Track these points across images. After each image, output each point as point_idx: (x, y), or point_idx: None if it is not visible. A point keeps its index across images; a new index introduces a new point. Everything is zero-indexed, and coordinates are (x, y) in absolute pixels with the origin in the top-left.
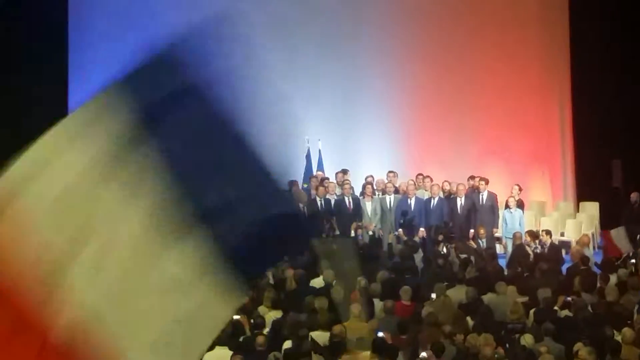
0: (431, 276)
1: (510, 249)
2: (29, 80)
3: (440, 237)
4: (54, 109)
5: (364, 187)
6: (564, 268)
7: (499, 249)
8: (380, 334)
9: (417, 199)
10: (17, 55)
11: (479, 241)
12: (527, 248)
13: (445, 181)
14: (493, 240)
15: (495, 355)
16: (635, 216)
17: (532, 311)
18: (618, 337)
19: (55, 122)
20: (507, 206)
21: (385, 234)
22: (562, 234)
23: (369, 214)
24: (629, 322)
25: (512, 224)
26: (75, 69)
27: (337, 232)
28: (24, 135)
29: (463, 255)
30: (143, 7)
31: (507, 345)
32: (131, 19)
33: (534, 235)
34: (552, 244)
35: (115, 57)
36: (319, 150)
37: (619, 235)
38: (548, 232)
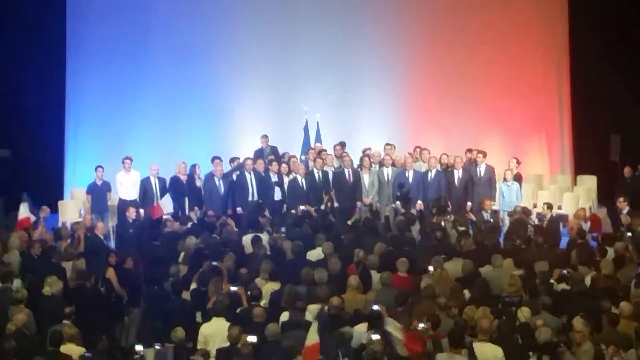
0: (428, 249)
1: (507, 222)
2: None
3: (435, 210)
4: None
5: (361, 159)
6: (563, 242)
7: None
8: (376, 307)
9: (414, 171)
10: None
11: (484, 214)
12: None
13: (443, 154)
14: (493, 213)
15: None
16: (629, 189)
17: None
18: (615, 311)
19: None
20: (504, 179)
21: (382, 206)
22: (560, 207)
23: (367, 186)
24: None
25: (509, 197)
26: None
27: (336, 205)
28: None
29: (461, 228)
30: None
31: (504, 318)
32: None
33: (527, 212)
34: (551, 217)
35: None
36: (317, 122)
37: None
38: (549, 206)
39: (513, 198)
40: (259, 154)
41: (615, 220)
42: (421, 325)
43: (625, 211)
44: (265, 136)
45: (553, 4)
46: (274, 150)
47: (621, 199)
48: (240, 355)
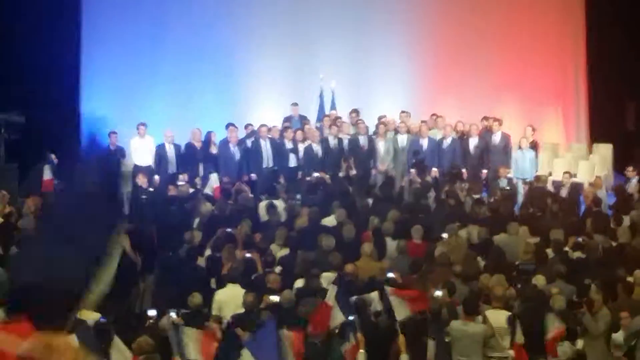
0: (443, 216)
1: (520, 189)
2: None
3: (450, 178)
4: None
5: (377, 126)
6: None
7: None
8: (391, 274)
9: (429, 139)
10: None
11: (498, 181)
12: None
13: (458, 121)
14: (510, 181)
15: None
16: None
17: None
18: (630, 279)
19: None
20: (519, 147)
21: (397, 173)
22: (575, 176)
23: (382, 153)
24: None
25: (522, 164)
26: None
27: (354, 172)
28: None
29: (476, 196)
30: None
31: (519, 285)
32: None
33: (544, 180)
34: (571, 185)
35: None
36: (332, 90)
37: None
38: (570, 175)
39: (526, 165)
40: (288, 121)
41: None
42: (437, 292)
43: (634, 180)
44: (295, 104)
45: None
46: (303, 119)
47: (630, 168)
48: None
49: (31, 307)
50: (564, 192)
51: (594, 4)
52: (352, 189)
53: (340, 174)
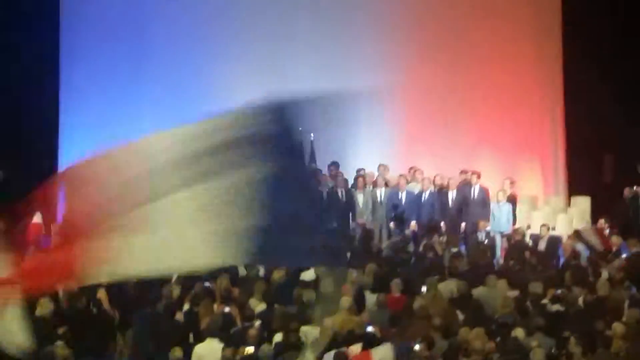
0: (422, 270)
1: (498, 242)
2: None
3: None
4: None
5: (355, 179)
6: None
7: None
8: (370, 328)
9: (408, 192)
10: None
11: (478, 234)
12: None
13: (436, 175)
14: (488, 234)
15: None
16: (626, 211)
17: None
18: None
19: None
20: (496, 200)
21: (376, 227)
22: (554, 229)
23: (361, 206)
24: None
25: (499, 217)
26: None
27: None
28: None
29: (454, 249)
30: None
31: (498, 339)
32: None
33: (521, 233)
34: (549, 238)
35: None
36: (311, 143)
37: (587, 233)
38: (547, 228)
39: (503, 219)
40: None
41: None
42: (416, 346)
43: (606, 232)
44: None
45: (546, 24)
46: None
47: (602, 221)
48: None
49: None
50: (542, 245)
51: (570, 57)
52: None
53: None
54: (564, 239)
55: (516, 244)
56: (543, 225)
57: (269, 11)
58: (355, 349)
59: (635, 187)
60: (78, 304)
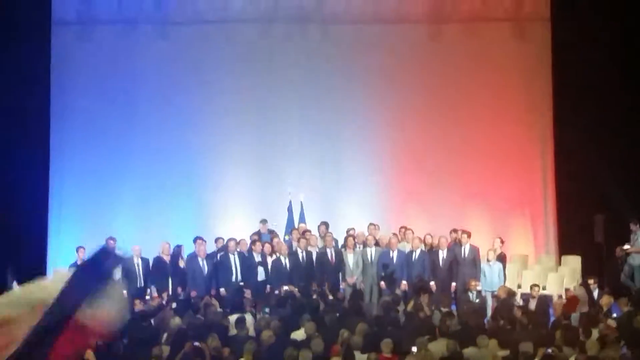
0: (413, 329)
1: (489, 302)
2: None
3: (419, 291)
4: None
5: (345, 239)
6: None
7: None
8: None
9: (398, 251)
10: None
11: (470, 294)
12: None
13: (427, 234)
14: (479, 294)
15: None
16: (617, 271)
17: None
18: None
19: None
20: (487, 260)
21: (366, 286)
22: (544, 288)
23: (351, 266)
24: None
25: (490, 277)
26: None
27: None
28: None
29: (445, 309)
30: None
31: None
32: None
33: (512, 293)
34: (540, 297)
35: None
36: (301, 203)
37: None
38: (538, 286)
39: (495, 278)
40: (259, 237)
41: (592, 300)
42: None
43: (595, 292)
44: (264, 221)
45: (537, 84)
46: (271, 233)
47: (591, 280)
48: None
49: None
50: (532, 305)
51: (561, 117)
52: (321, 303)
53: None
54: (555, 298)
55: (502, 303)
56: (534, 285)
57: (259, 81)
58: None
59: (625, 246)
60: None
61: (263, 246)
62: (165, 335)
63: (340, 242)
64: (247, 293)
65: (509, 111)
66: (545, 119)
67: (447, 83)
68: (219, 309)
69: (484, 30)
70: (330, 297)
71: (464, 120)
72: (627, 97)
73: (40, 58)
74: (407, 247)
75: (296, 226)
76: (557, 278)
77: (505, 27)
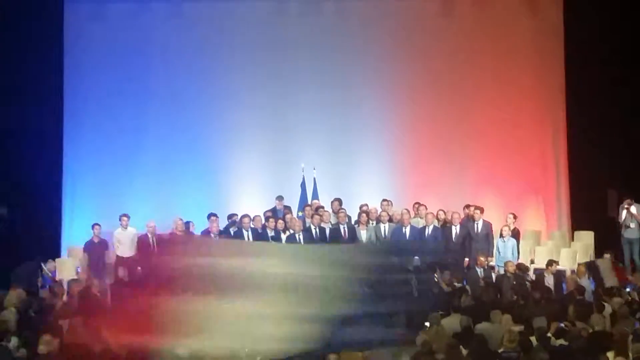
0: (425, 305)
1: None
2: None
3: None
4: None
5: (359, 215)
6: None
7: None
8: None
9: (412, 227)
10: None
11: (477, 270)
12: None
13: (440, 210)
14: (489, 269)
15: None
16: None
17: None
18: None
19: None
20: (501, 235)
21: None
22: (557, 263)
23: (364, 242)
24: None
25: (504, 253)
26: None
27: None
28: None
29: (458, 284)
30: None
31: None
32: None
33: (524, 268)
34: (557, 272)
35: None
36: (314, 179)
37: (602, 267)
38: (556, 262)
39: (508, 254)
40: (274, 214)
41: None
42: None
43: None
44: (280, 197)
45: (549, 62)
46: (285, 209)
47: (607, 255)
48: None
49: None
50: (550, 281)
51: (574, 92)
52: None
53: None
54: (568, 273)
55: (520, 279)
56: (553, 261)
57: (272, 58)
58: None
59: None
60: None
61: (276, 222)
62: None
63: (354, 218)
64: None
65: (522, 91)
66: (558, 94)
67: (460, 60)
68: None
69: (496, 2)
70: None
71: (477, 102)
72: None
73: (53, 37)
74: (420, 223)
75: (309, 202)
76: (570, 254)
77: (517, 1)
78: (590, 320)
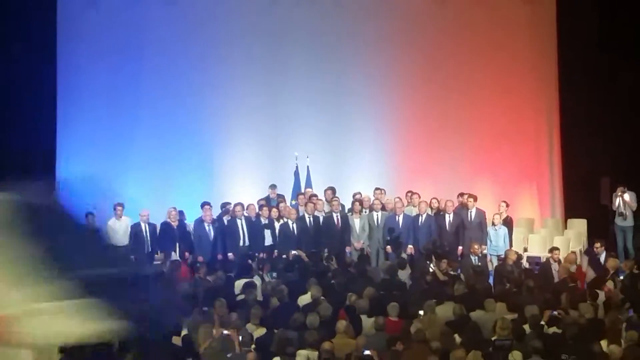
0: (419, 293)
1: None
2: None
3: (426, 254)
4: None
5: (352, 204)
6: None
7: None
8: (367, 352)
9: (405, 215)
10: None
11: (471, 258)
12: (512, 266)
13: (433, 198)
14: (483, 257)
15: None
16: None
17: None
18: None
19: None
20: (492, 223)
21: (373, 251)
22: (551, 251)
23: (357, 231)
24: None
25: (496, 241)
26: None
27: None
28: None
29: (451, 272)
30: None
31: None
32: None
33: (518, 256)
34: (545, 260)
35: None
36: (307, 167)
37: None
38: (557, 249)
39: (500, 242)
40: (267, 202)
41: (597, 264)
42: None
43: (602, 256)
44: (273, 186)
45: (543, 51)
46: (279, 197)
47: (597, 244)
48: None
49: None
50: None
51: (567, 82)
52: (329, 267)
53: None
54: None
55: (502, 266)
56: (554, 248)
57: (267, 46)
58: None
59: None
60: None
61: (270, 211)
62: None
63: (347, 207)
64: (256, 256)
65: (516, 80)
66: (552, 82)
67: (454, 49)
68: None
69: None
70: (337, 262)
71: (470, 90)
72: (634, 61)
73: (46, 25)
74: (413, 212)
75: (303, 191)
76: (563, 241)
77: None
78: (582, 309)
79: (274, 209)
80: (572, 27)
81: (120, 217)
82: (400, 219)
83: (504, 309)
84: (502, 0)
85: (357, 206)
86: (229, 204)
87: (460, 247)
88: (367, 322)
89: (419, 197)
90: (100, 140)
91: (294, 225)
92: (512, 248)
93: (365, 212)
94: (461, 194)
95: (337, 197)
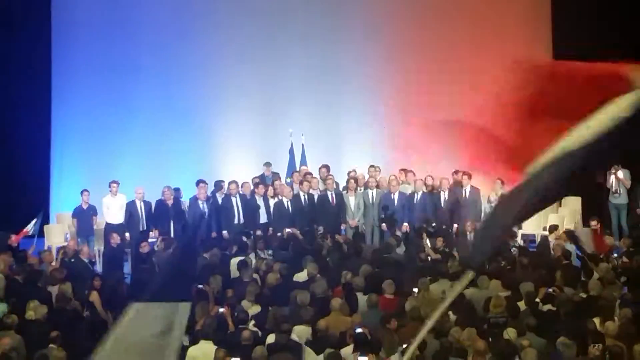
0: (414, 270)
1: None
2: None
3: (421, 232)
4: None
5: (347, 181)
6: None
7: None
8: (359, 330)
9: (400, 193)
10: None
11: (468, 235)
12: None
13: (428, 175)
14: None
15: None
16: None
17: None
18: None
19: None
20: (488, 201)
21: (367, 228)
22: (545, 229)
23: (352, 208)
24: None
25: None
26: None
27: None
28: None
29: (446, 250)
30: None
31: (490, 339)
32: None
33: (512, 234)
34: (540, 238)
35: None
36: (302, 145)
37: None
38: (557, 227)
39: None
40: (262, 180)
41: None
42: (405, 346)
43: (599, 233)
44: (268, 163)
45: (537, 32)
46: (274, 175)
47: (594, 222)
48: None
49: None
50: (534, 245)
51: (560, 57)
52: (323, 245)
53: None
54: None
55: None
56: (554, 225)
57: (261, 25)
58: (348, 350)
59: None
60: (70, 307)
61: (266, 189)
62: None
63: (342, 185)
64: (252, 234)
65: (509, 54)
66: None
67: (449, 27)
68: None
69: None
70: (332, 239)
71: (466, 69)
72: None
73: (41, 6)
74: (408, 189)
75: (297, 169)
76: (558, 219)
77: None
78: (580, 286)
79: (270, 187)
80: (567, 9)
81: (116, 194)
82: (396, 196)
83: (499, 287)
84: None
85: (352, 184)
86: (223, 181)
87: (455, 225)
88: (363, 299)
89: (414, 174)
90: (96, 117)
91: (289, 203)
92: None
93: (360, 189)
94: (456, 172)
95: (331, 174)
